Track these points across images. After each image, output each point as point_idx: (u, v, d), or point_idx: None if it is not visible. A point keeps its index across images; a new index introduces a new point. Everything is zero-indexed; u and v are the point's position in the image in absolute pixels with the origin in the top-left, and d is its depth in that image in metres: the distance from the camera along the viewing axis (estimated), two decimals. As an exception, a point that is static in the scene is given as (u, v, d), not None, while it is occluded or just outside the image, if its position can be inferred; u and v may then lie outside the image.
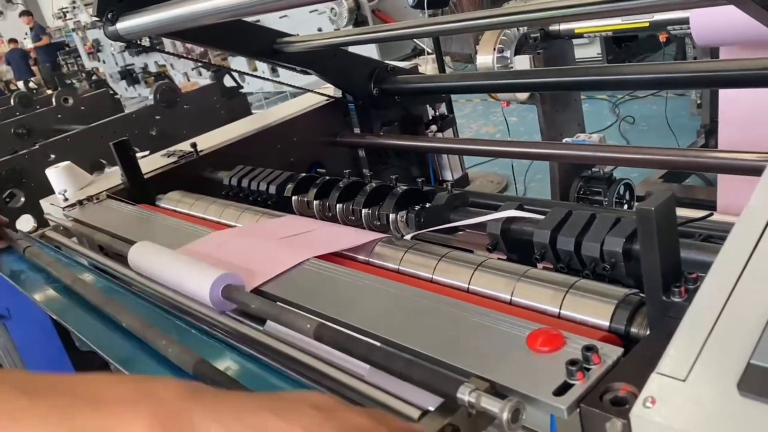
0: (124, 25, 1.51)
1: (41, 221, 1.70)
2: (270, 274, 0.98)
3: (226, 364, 0.87)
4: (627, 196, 1.91)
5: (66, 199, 1.67)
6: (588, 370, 0.62)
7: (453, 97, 2.63)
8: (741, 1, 0.90)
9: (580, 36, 2.73)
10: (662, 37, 3.82)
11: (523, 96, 2.79)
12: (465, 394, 0.59)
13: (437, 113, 2.27)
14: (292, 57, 1.84)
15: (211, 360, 0.82)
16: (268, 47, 1.80)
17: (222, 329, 0.92)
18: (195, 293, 0.96)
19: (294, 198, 1.39)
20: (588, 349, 0.63)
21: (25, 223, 1.64)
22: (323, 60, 1.89)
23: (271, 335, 0.85)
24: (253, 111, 4.74)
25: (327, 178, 1.34)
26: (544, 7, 1.43)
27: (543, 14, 1.53)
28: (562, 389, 0.60)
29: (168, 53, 8.54)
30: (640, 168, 2.09)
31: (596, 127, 5.08)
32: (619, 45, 5.69)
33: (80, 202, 1.62)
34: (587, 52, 5.78)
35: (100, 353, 1.03)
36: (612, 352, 0.64)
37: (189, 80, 9.00)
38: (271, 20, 6.41)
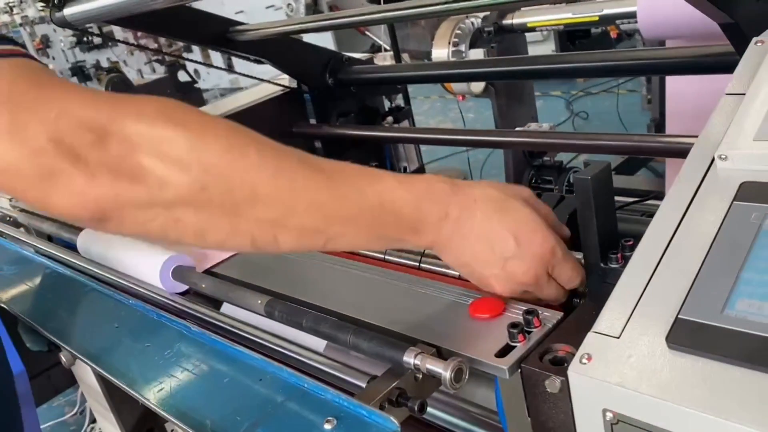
0: (72, 11, 1.48)
1: (-13, 213, 1.65)
2: (222, 257, 0.98)
3: (180, 344, 0.86)
4: (577, 184, 1.97)
5: (11, 199, 1.63)
6: (529, 333, 0.64)
7: (411, 93, 2.65)
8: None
9: (532, 30, 2.78)
10: (613, 33, 3.92)
11: (478, 89, 2.83)
12: (411, 358, 0.60)
13: (393, 105, 2.29)
14: (246, 46, 1.83)
15: (163, 340, 0.82)
16: (221, 36, 1.79)
17: (174, 311, 0.92)
18: (146, 275, 0.95)
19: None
20: (529, 312, 0.65)
21: (-30, 215, 1.59)
22: (277, 49, 1.89)
23: (226, 315, 0.86)
24: (206, 105, 4.68)
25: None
26: None
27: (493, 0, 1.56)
28: (504, 351, 0.62)
29: (124, 42, 8.37)
30: (589, 154, 2.14)
31: (554, 121, 5.18)
32: (573, 42, 5.80)
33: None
34: (542, 49, 5.89)
35: (65, 347, 1.01)
36: (552, 316, 0.66)
37: (143, 77, 8.83)
38: (227, 15, 6.36)
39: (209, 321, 0.86)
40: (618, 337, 0.57)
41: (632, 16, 2.36)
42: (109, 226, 0.56)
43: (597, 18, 2.48)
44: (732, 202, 0.60)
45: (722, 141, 0.65)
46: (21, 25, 11.68)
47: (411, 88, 2.98)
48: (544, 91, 5.94)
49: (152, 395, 0.72)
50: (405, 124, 2.33)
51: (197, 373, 0.72)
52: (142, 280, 0.96)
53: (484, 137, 1.74)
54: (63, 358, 1.41)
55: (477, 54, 2.84)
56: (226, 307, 0.91)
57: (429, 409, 0.66)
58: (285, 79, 2.08)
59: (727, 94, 0.72)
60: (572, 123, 5.10)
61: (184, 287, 0.92)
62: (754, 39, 0.76)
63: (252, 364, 0.69)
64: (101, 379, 1.50)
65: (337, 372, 0.65)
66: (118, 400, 1.60)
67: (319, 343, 0.76)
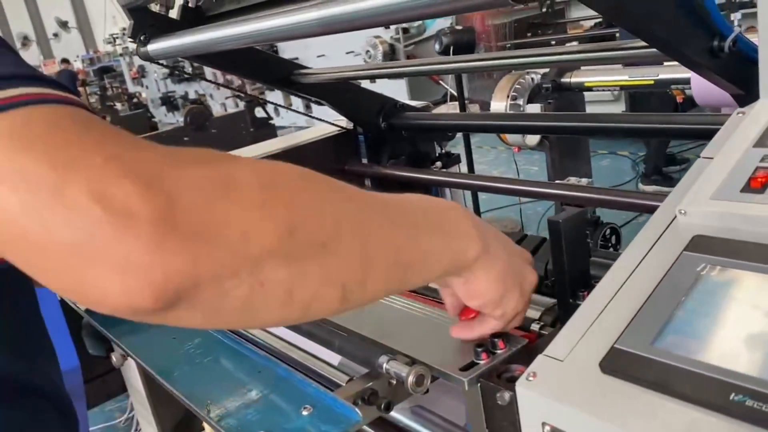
0: (155, 47, 1.67)
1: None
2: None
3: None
4: (613, 240, 1.99)
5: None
6: (494, 353, 0.72)
7: (478, 142, 2.76)
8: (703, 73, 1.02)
9: (590, 89, 2.85)
10: (679, 98, 3.91)
11: (533, 141, 2.91)
12: (384, 362, 0.69)
13: (444, 151, 2.40)
14: (307, 88, 1.99)
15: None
16: (286, 78, 1.96)
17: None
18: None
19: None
20: (496, 336, 0.73)
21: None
22: (335, 92, 2.04)
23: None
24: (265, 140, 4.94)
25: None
26: (555, 52, 1.56)
27: (553, 58, 1.65)
28: (468, 366, 0.70)
29: (208, 80, 8.90)
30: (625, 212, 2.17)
31: (615, 181, 5.17)
32: (641, 104, 5.78)
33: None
34: (611, 108, 5.89)
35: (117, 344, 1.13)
36: (518, 342, 0.74)
37: (226, 110, 9.33)
38: (310, 60, 6.69)
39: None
40: (562, 360, 0.64)
41: (687, 82, 2.40)
42: (179, 312, 0.43)
43: (653, 82, 2.53)
44: (682, 252, 0.67)
45: (684, 198, 0.72)
46: (121, 55, 12.60)
47: (478, 137, 3.09)
48: (611, 150, 5.92)
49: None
50: (455, 170, 2.43)
51: (206, 361, 0.83)
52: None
53: (520, 187, 1.82)
54: (114, 358, 1.55)
55: (534, 109, 2.93)
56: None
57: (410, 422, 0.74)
58: (342, 120, 2.23)
59: (701, 156, 0.79)
60: (636, 184, 5.05)
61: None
62: (737, 110, 0.83)
63: (255, 359, 0.80)
64: (146, 382, 1.64)
65: (323, 370, 0.74)
66: (159, 403, 1.72)
67: (334, 358, 0.86)
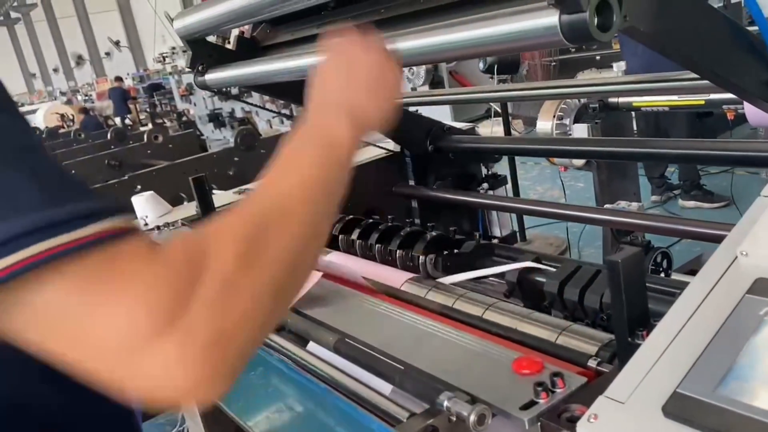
0: (212, 76, 1.74)
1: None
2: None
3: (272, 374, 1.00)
4: (665, 265, 1.96)
5: (146, 224, 1.89)
6: (553, 392, 0.73)
7: (522, 160, 2.75)
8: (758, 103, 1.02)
9: (637, 109, 2.82)
10: (730, 115, 3.83)
11: (579, 162, 2.89)
12: (444, 400, 0.71)
13: (489, 172, 2.41)
14: (357, 113, 2.03)
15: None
16: (336, 103, 2.00)
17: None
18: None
19: (341, 237, 1.55)
20: (555, 375, 0.74)
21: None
22: (385, 117, 2.07)
23: (308, 352, 0.99)
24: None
25: (370, 221, 1.49)
26: (604, 82, 1.57)
27: (602, 88, 1.66)
28: (528, 405, 0.71)
29: (251, 104, 9.09)
30: (680, 238, 2.13)
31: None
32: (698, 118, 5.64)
33: (158, 227, 1.84)
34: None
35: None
36: (577, 381, 0.74)
37: (272, 127, 9.49)
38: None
39: (295, 357, 1.00)
40: (624, 403, 0.65)
41: (739, 102, 2.36)
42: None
43: (703, 102, 2.49)
44: (744, 295, 0.67)
45: (745, 239, 0.72)
46: (170, 74, 12.95)
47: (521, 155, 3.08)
48: (658, 168, 5.79)
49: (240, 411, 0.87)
50: (501, 191, 2.44)
51: (270, 393, 0.86)
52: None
53: (568, 211, 1.81)
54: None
55: (581, 129, 2.91)
56: (311, 345, 1.05)
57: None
58: (389, 143, 2.26)
59: (762, 195, 0.79)
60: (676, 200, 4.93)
61: (273, 322, 1.08)
62: (799, 146, 0.83)
63: (316, 390, 0.82)
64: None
65: (381, 403, 0.76)
66: (212, 421, 1.76)
67: (386, 387, 0.88)
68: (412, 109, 2.27)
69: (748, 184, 4.89)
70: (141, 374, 0.50)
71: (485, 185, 2.38)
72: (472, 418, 0.67)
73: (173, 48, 13.79)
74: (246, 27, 1.77)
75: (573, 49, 7.18)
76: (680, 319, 0.70)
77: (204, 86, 1.75)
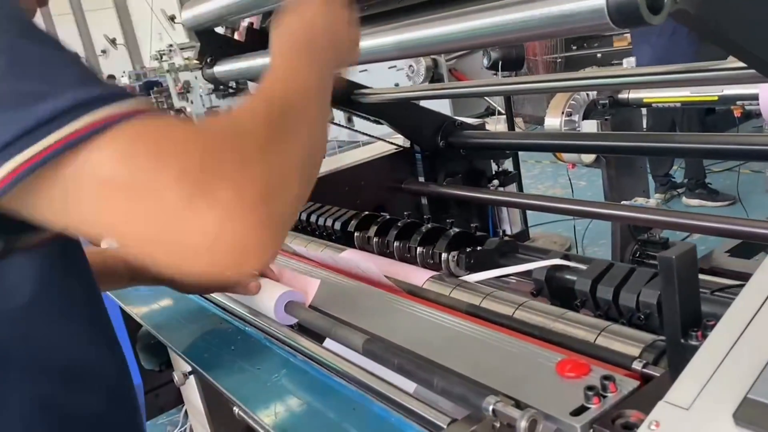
0: (221, 69, 1.69)
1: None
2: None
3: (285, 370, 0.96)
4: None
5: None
6: (605, 397, 0.68)
7: (522, 157, 2.71)
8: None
9: (648, 106, 2.78)
10: (737, 112, 3.80)
11: (589, 159, 2.85)
12: (490, 405, 0.66)
13: (500, 169, 2.37)
14: (367, 107, 1.98)
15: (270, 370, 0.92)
16: (347, 97, 1.95)
17: (281, 341, 1.02)
18: (262, 308, 1.07)
19: (356, 234, 1.50)
20: (606, 378, 0.69)
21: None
22: (395, 112, 2.03)
23: (327, 349, 0.95)
24: (326, 157, 4.96)
25: (387, 217, 1.45)
26: (615, 74, 1.52)
27: (612, 80, 1.61)
28: (579, 411, 0.67)
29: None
30: (697, 234, 2.08)
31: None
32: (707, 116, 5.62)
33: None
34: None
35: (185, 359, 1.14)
36: (629, 384, 0.70)
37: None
38: (353, 74, 6.70)
39: (311, 354, 0.95)
40: (687, 409, 0.60)
41: (753, 98, 2.32)
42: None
43: (717, 98, 2.45)
44: (812, 293, 0.63)
45: (809, 234, 0.67)
46: (168, 71, 12.86)
47: (521, 152, 3.04)
48: (663, 167, 5.77)
49: (256, 410, 0.82)
50: (511, 188, 2.39)
51: (298, 397, 0.81)
52: (259, 311, 1.08)
53: (588, 208, 1.77)
54: (175, 377, 1.54)
55: (590, 125, 2.86)
56: (328, 342, 1.01)
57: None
58: (398, 138, 2.22)
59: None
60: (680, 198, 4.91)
61: (294, 320, 1.03)
62: None
63: (347, 394, 0.77)
64: (206, 401, 1.63)
65: (419, 409, 0.72)
66: (219, 422, 1.72)
67: (409, 385, 0.84)
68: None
69: (751, 182, 4.87)
70: (197, 232, 0.50)
71: (496, 182, 2.34)
72: (523, 424, 0.63)
73: (170, 45, 13.71)
74: (255, 18, 1.73)
75: (575, 47, 7.16)
76: (741, 321, 0.65)
77: (213, 79, 1.71)
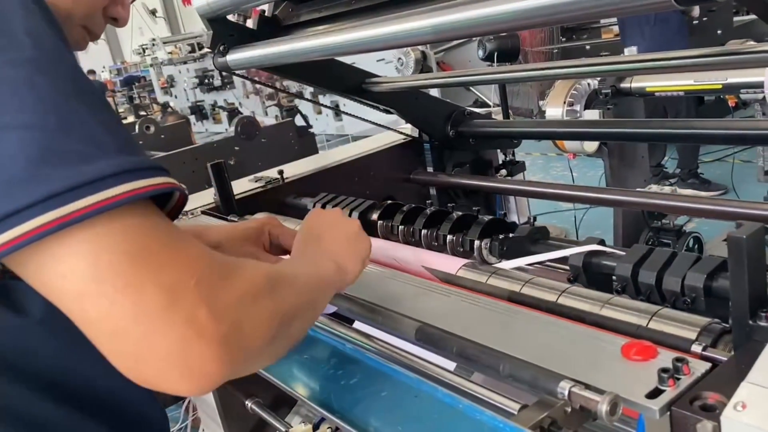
0: (233, 57, 1.66)
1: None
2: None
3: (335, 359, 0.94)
4: (696, 249, 1.94)
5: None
6: (678, 379, 0.67)
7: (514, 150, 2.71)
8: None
9: (651, 95, 2.79)
10: (731, 102, 3.83)
11: (591, 148, 2.85)
12: (565, 389, 0.65)
13: (507, 158, 2.36)
14: (378, 96, 1.96)
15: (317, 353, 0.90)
16: (358, 87, 1.93)
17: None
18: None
19: (380, 223, 1.48)
20: (679, 360, 0.68)
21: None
22: (405, 101, 2.01)
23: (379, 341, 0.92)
24: (332, 148, 4.93)
25: (413, 205, 1.43)
26: (615, 61, 1.51)
27: (612, 67, 1.60)
28: (654, 393, 0.66)
29: (260, 81, 9.00)
30: (713, 220, 2.09)
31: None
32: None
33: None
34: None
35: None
36: (700, 366, 0.69)
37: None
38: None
39: (362, 343, 0.93)
40: (773, 389, 0.59)
41: (758, 86, 2.34)
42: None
43: (720, 86, 2.46)
44: None
45: None
46: (151, 65, 12.72)
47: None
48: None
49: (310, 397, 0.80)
50: (519, 177, 2.39)
51: (354, 385, 0.79)
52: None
53: (602, 195, 1.77)
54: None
55: (592, 115, 2.87)
56: (357, 324, 0.99)
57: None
58: (407, 128, 2.20)
59: None
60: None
61: (334, 308, 1.01)
62: None
63: (407, 382, 0.76)
64: (218, 392, 1.60)
65: (486, 395, 0.70)
66: (231, 418, 1.69)
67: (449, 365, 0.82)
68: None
69: (743, 171, 4.92)
70: (165, 341, 0.52)
71: (503, 171, 2.33)
72: (604, 407, 0.62)
73: (153, 39, 13.55)
74: (267, 5, 1.70)
75: (563, 38, 7.18)
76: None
77: (225, 67, 1.67)
